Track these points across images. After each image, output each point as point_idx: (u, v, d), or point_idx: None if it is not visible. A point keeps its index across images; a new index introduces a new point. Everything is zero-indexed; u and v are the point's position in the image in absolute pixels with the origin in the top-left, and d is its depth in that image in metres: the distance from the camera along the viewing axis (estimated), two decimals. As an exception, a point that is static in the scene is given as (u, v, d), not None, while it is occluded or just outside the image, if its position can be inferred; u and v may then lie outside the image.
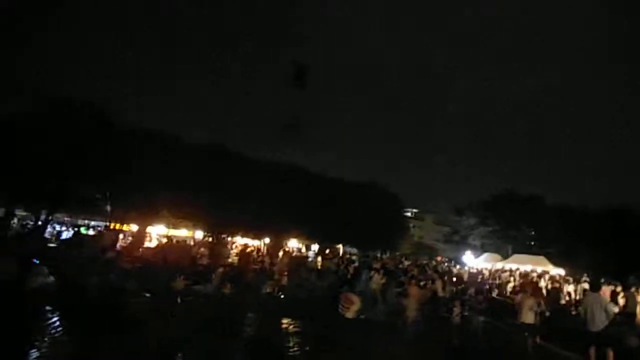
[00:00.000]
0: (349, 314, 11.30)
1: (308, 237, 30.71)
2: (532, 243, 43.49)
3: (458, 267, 34.95)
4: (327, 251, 31.99)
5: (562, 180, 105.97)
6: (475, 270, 29.74)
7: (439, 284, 12.10)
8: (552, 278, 27.23)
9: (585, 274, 30.31)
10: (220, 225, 25.13)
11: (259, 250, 24.94)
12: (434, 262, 36.52)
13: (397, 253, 42.40)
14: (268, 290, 14.17)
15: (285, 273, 16.47)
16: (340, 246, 34.11)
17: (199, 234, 26.39)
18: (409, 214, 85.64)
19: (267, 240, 27.50)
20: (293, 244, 30.88)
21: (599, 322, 8.52)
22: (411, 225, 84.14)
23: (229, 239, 26.79)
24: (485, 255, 37.36)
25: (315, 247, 33.35)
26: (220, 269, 13.83)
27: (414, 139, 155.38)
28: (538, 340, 10.03)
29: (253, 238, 27.49)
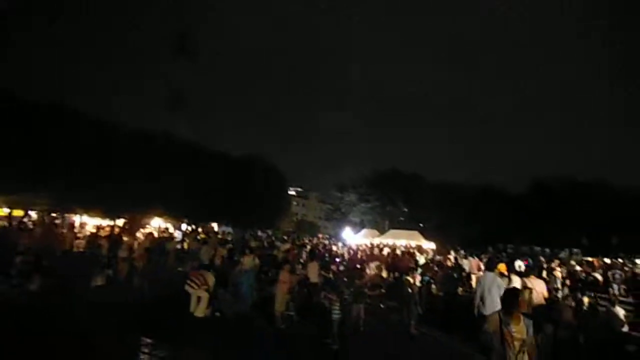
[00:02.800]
0: (198, 311, 8.57)
1: (176, 215, 26.94)
2: (404, 219, 45.38)
3: (339, 244, 34.27)
4: (200, 230, 28.72)
5: (443, 161, 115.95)
6: (354, 247, 29.13)
7: (312, 268, 9.96)
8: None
9: (457, 247, 31.99)
10: (59, 201, 20.22)
11: (112, 230, 20.61)
12: (314, 240, 35.37)
13: (278, 231, 40.58)
14: (99, 282, 10.76)
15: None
16: (214, 225, 30.92)
17: (32, 213, 21.06)
18: (293, 193, 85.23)
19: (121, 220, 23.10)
20: (158, 223, 26.87)
21: (495, 305, 7.36)
22: (295, 203, 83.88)
23: (74, 218, 21.95)
24: (364, 231, 37.55)
25: (185, 226, 29.66)
26: (19, 257, 9.99)
27: (302, 117, 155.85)
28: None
29: (104, 217, 22.90)
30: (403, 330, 9.04)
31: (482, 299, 7.63)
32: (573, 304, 10.43)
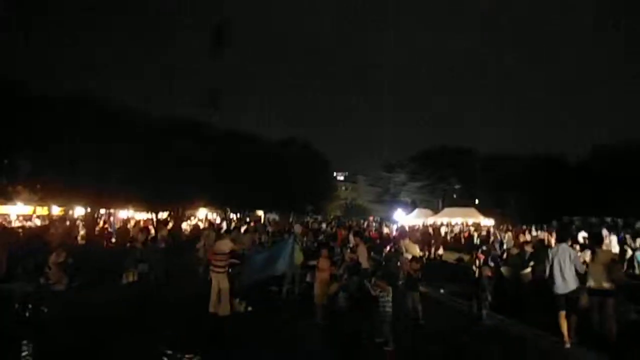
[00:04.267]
0: (222, 310, 7.44)
1: (221, 205, 26.47)
2: (457, 196, 43.00)
3: (391, 226, 32.73)
4: (247, 219, 28.21)
5: (494, 132, 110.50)
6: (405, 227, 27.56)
7: (361, 251, 8.57)
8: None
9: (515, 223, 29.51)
10: (102, 197, 20.08)
11: (148, 223, 20.26)
12: (365, 223, 33.99)
13: (329, 216, 39.50)
14: (131, 279, 10.05)
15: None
16: (261, 212, 30.31)
17: (79, 211, 21.24)
18: (341, 178, 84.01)
19: (164, 213, 22.74)
20: (204, 214, 26.60)
21: (571, 282, 6.40)
22: (343, 188, 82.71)
23: (120, 213, 21.93)
24: (416, 211, 35.84)
25: (233, 216, 29.25)
26: (54, 255, 9.39)
27: (346, 100, 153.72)
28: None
29: (148, 211, 22.70)
30: (473, 322, 7.54)
31: (552, 275, 6.50)
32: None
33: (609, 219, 38.91)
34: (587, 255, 7.34)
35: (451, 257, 16.61)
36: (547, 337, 6.61)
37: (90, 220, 18.30)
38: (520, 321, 7.53)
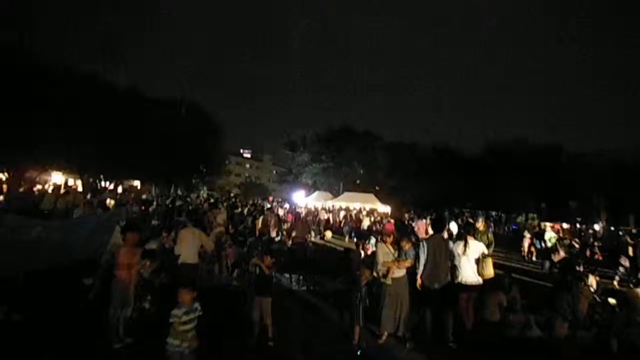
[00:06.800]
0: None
1: (82, 169, 21.90)
2: (360, 181, 42.52)
3: (287, 206, 30.66)
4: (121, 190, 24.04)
5: (396, 118, 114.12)
6: (301, 210, 25.74)
7: (184, 241, 5.67)
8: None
9: (408, 209, 29.40)
10: None
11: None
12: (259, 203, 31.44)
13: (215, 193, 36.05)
14: None
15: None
16: (137, 183, 26.07)
17: None
18: (247, 155, 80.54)
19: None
20: (59, 179, 21.95)
21: (443, 276, 5.74)
22: (248, 166, 79.36)
23: None
24: (316, 193, 34.58)
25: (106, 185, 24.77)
26: None
27: (254, 77, 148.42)
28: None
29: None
30: (343, 339, 5.44)
31: (424, 268, 5.75)
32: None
33: (494, 212, 41.34)
34: (460, 247, 6.20)
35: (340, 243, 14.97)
36: None
37: None
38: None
